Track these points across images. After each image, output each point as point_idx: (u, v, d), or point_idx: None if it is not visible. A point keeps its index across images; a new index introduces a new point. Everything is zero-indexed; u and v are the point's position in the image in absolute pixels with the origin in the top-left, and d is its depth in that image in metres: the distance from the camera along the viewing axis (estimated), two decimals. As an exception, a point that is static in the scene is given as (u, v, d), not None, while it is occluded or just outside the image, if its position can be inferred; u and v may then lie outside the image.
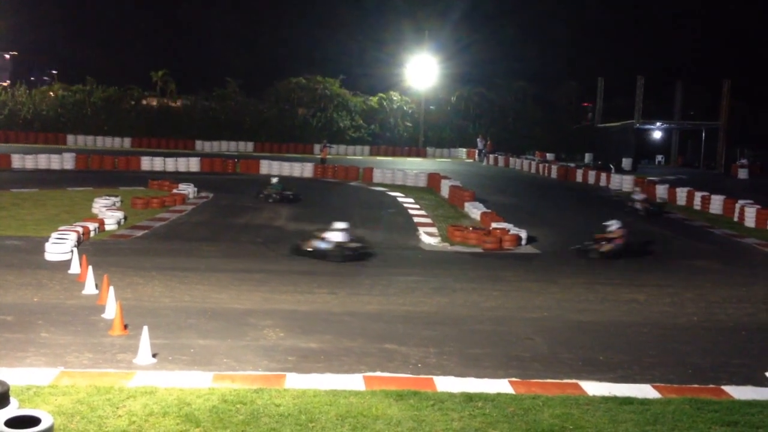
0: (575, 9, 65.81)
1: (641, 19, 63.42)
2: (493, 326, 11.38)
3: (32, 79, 61.87)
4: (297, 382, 8.53)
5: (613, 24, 64.17)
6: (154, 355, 9.10)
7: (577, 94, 61.58)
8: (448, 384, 8.66)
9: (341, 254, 16.27)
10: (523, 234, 19.26)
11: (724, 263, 17.98)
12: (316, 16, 69.08)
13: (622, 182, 35.16)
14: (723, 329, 11.77)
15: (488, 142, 53.25)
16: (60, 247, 15.05)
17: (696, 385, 8.98)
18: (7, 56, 60.77)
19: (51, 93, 54.58)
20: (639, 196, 26.60)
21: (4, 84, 55.83)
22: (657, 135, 56.83)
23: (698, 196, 28.04)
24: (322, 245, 16.47)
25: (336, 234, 16.61)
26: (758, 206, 24.11)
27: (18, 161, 34.45)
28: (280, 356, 9.46)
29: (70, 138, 51.44)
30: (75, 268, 13.75)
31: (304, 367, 9.06)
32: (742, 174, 43.90)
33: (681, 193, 29.34)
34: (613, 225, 18.10)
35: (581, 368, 9.47)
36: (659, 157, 55.13)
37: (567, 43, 64.55)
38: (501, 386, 8.65)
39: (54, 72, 61.76)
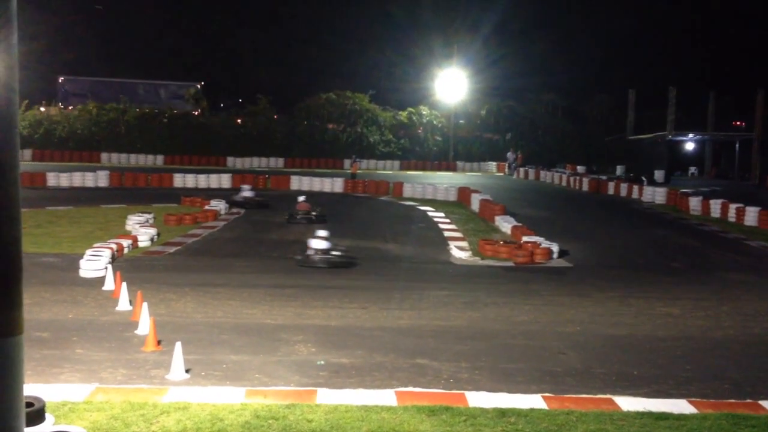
0: (605, 21, 65.48)
1: (672, 30, 62.93)
2: (526, 341, 11.29)
3: (221, 105, 63.00)
4: (329, 397, 8.53)
5: (643, 35, 63.73)
6: (187, 371, 9.16)
7: (608, 106, 61.20)
8: (480, 399, 8.61)
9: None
10: (555, 247, 19.13)
11: (760, 276, 17.71)
12: (345, 32, 69.47)
13: (654, 195, 34.80)
14: (760, 343, 11.57)
15: (519, 156, 53.08)
16: (94, 263, 15.24)
17: (733, 400, 8.83)
18: (198, 86, 62.66)
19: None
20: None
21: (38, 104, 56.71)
22: (690, 146, 56.24)
23: (733, 207, 27.67)
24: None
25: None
26: (795, 217, 23.76)
27: (53, 179, 35.03)
28: (312, 371, 9.48)
29: (104, 156, 52.23)
30: (109, 285, 13.91)
31: (335, 383, 9.06)
32: (778, 185, 43.30)
33: (715, 205, 28.97)
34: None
35: (615, 383, 9.36)
36: (692, 169, 54.54)
37: (597, 56, 64.24)
38: (534, 401, 8.57)
39: (240, 100, 62.84)
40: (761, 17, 61.03)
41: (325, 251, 17.09)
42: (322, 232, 17.55)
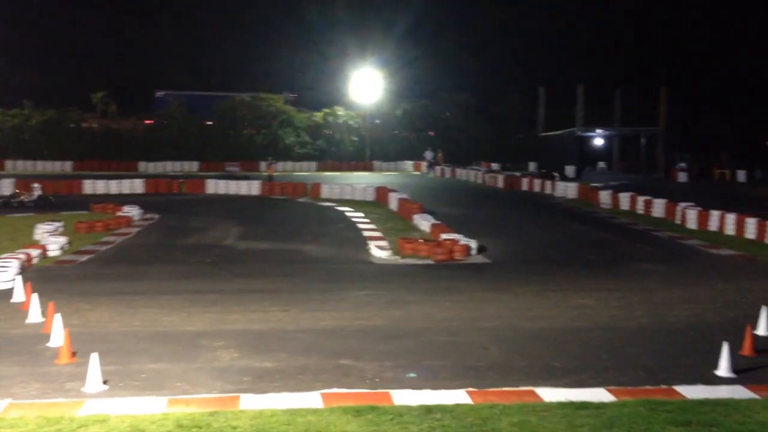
0: (515, 22, 66.79)
1: (580, 29, 64.63)
2: (448, 337, 11.40)
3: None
4: (253, 402, 8.41)
5: (552, 35, 65.18)
6: (104, 382, 8.89)
7: (519, 104, 62.39)
8: (405, 397, 8.64)
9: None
10: (473, 244, 19.39)
11: (668, 265, 18.35)
12: (258, 32, 68.65)
13: (566, 190, 35.68)
14: (672, 330, 11.99)
15: (440, 154, 53.64)
16: (2, 275, 14.63)
17: (649, 387, 9.12)
18: (291, 95, 60.45)
19: None
20: None
21: None
22: (598, 142, 57.90)
23: (641, 200, 28.60)
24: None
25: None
26: (699, 208, 24.70)
27: (-46, 189, 33.45)
28: (235, 377, 9.33)
29: (8, 163, 50.19)
30: (19, 297, 13.37)
31: (259, 387, 8.95)
32: (682, 177, 45.05)
33: (624, 198, 29.89)
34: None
35: (536, 375, 9.54)
36: (601, 164, 56.15)
37: (508, 55, 65.36)
38: (458, 397, 8.67)
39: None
40: (665, 17, 63.36)
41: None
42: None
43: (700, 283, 16.07)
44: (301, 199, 33.96)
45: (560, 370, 9.79)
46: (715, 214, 23.71)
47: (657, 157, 50.58)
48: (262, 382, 9.15)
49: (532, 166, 53.27)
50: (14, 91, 56.36)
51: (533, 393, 8.83)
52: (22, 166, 50.11)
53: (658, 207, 27.29)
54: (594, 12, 64.79)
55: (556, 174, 41.21)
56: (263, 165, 49.14)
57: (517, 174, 43.95)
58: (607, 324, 12.36)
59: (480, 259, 18.91)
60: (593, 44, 63.52)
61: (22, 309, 12.66)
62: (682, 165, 47.68)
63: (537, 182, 38.95)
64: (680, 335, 11.68)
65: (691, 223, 24.32)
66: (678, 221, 25.37)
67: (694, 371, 9.70)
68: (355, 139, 58.92)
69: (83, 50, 67.04)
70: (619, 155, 56.12)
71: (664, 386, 9.14)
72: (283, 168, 51.47)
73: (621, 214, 28.58)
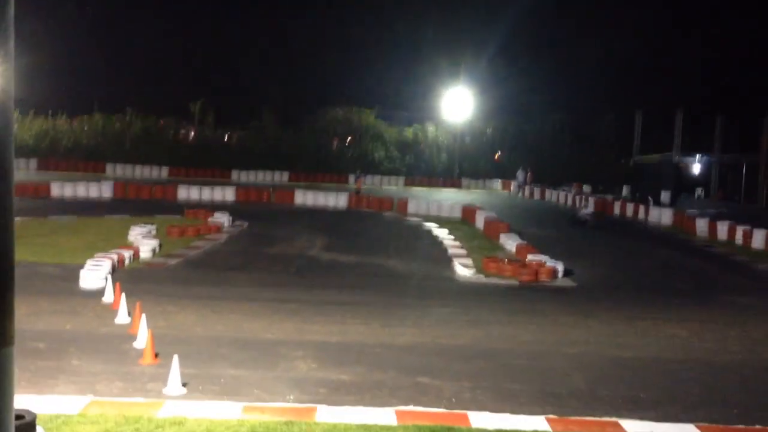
0: (613, 42, 65.54)
1: (679, 53, 63.00)
2: (529, 361, 11.09)
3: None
4: (328, 415, 8.34)
5: (651, 57, 63.78)
6: (184, 385, 8.99)
7: (614, 126, 61.05)
8: (482, 419, 8.40)
9: None
10: (560, 267, 18.93)
11: (767, 300, 17.47)
12: (353, 49, 69.72)
13: (661, 216, 34.54)
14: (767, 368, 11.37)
15: (529, 173, 52.84)
16: (94, 274, 15.10)
17: (741, 426, 8.62)
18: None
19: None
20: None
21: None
22: (696, 168, 56.05)
23: (740, 230, 27.40)
24: None
25: None
26: (802, 241, 23.49)
27: (57, 189, 34.93)
28: (311, 388, 9.30)
29: (109, 167, 52.19)
30: (109, 296, 13.75)
31: (335, 400, 8.87)
32: (784, 208, 43.04)
33: (722, 228, 28.71)
34: None
35: (621, 406, 9.15)
36: (699, 191, 54.26)
37: (604, 76, 64.16)
38: (537, 423, 8.37)
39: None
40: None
41: None
42: None
43: (802, 319, 15.22)
44: (387, 214, 33.99)
45: (647, 402, 9.37)
46: (819, 248, 22.51)
47: (758, 185, 48.55)
48: (337, 395, 9.08)
49: (625, 190, 51.93)
50: (117, 97, 58.70)
51: (617, 425, 8.45)
52: (122, 170, 51.99)
53: (759, 238, 26.08)
54: (696, 36, 63.03)
55: (650, 199, 39.95)
56: (352, 178, 49.58)
57: (609, 197, 42.89)
58: (699, 357, 11.81)
59: (566, 282, 18.44)
60: (693, 67, 61.77)
61: (111, 308, 13.01)
62: (785, 195, 45.61)
63: (630, 207, 37.88)
64: (778, 374, 11.06)
65: (794, 256, 23.15)
66: (779, 254, 24.19)
67: (792, 413, 9.14)
68: (445, 155, 58.79)
69: (184, 61, 69.28)
70: (717, 183, 54.19)
71: (758, 426, 8.62)
72: (371, 182, 51.76)
73: (718, 243, 27.47)
